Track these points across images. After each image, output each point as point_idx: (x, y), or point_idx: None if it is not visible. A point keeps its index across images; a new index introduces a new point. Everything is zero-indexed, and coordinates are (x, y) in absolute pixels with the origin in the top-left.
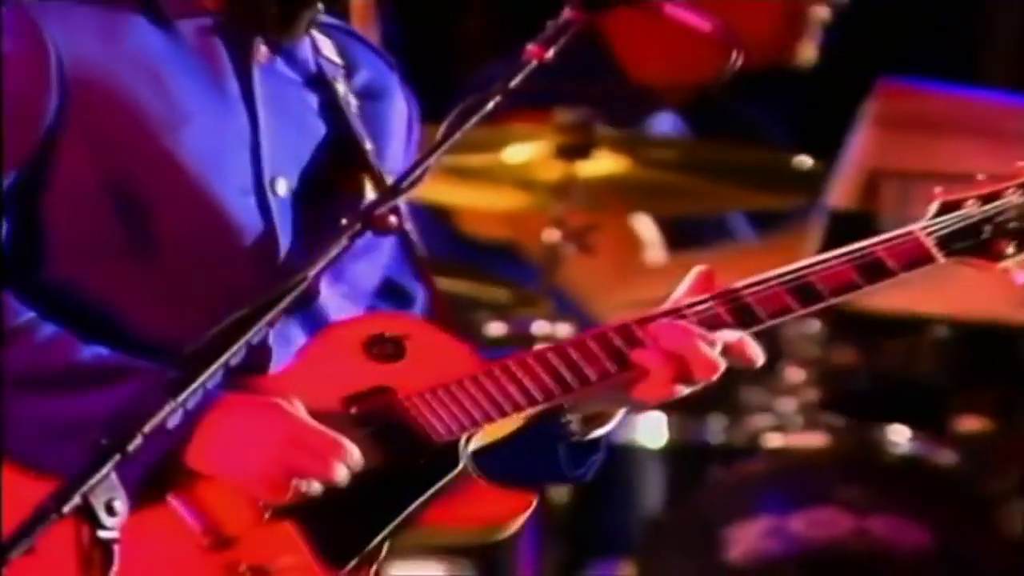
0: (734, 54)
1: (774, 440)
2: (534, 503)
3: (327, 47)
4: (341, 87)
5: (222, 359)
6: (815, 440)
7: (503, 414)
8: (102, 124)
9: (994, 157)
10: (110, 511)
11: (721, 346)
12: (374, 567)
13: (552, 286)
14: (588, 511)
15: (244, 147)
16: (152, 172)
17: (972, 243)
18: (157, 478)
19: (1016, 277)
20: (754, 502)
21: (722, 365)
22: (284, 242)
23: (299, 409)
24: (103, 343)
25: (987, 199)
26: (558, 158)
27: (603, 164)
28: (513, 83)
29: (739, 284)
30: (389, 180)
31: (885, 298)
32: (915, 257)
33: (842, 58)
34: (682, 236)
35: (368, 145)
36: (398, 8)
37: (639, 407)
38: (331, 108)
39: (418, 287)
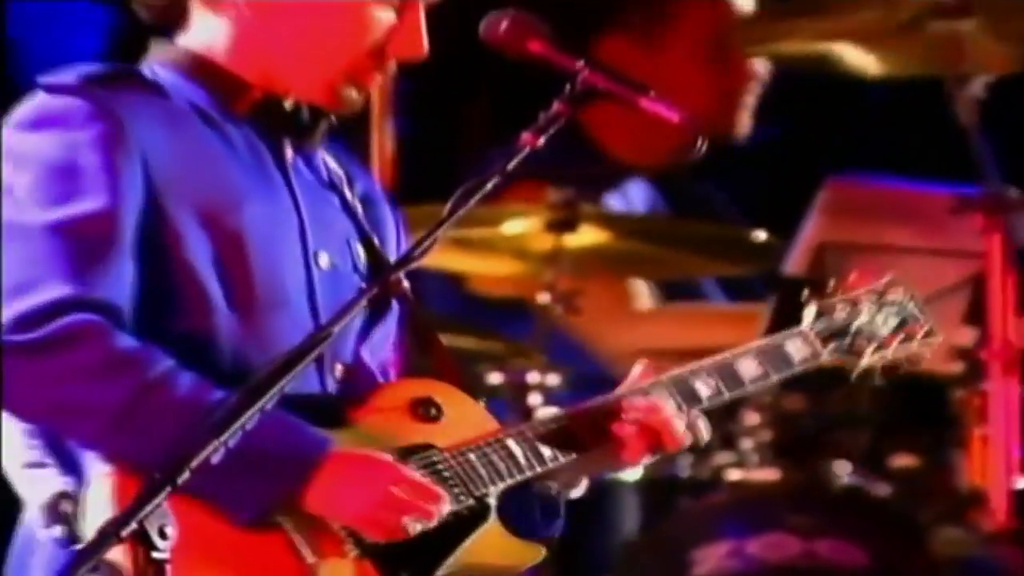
0: (700, 140)
1: (734, 474)
2: (543, 554)
3: (332, 160)
4: (348, 192)
5: (260, 403)
6: (769, 474)
7: (521, 474)
8: (183, 204)
9: (919, 233)
10: (162, 535)
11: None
12: None
13: (544, 341)
14: (575, 535)
15: (293, 228)
16: (229, 244)
17: (840, 344)
18: (272, 511)
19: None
20: (717, 528)
21: (688, 439)
22: (323, 305)
23: (396, 462)
24: (217, 382)
25: (851, 304)
26: (549, 231)
27: (587, 236)
28: (509, 166)
29: (678, 372)
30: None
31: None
32: (809, 353)
33: (789, 148)
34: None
35: (377, 241)
36: (410, 101)
37: (616, 471)
38: (345, 208)
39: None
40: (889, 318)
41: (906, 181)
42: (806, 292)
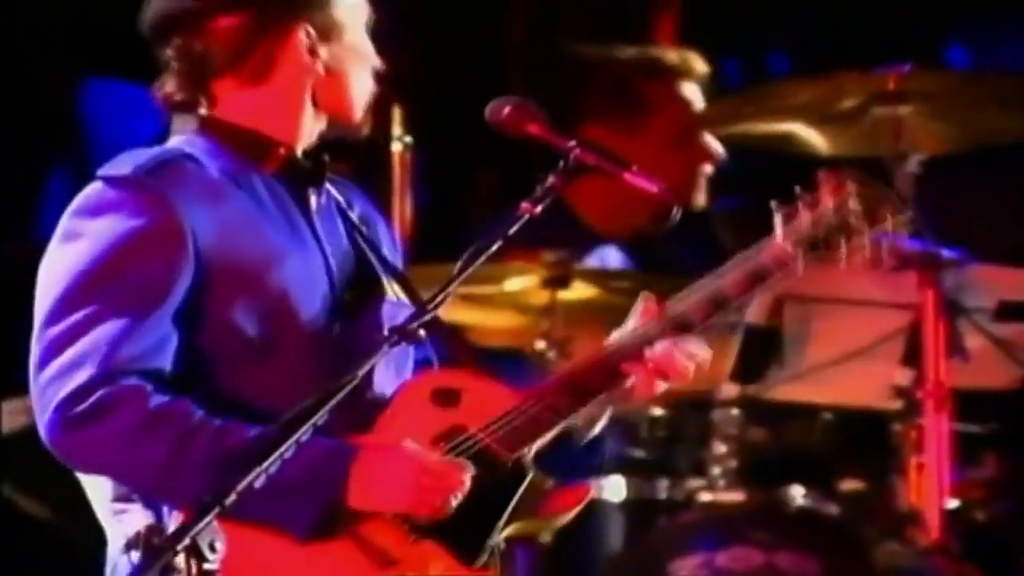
0: (675, 209)
1: (705, 496)
2: (589, 494)
3: (333, 190)
4: (353, 215)
5: (297, 435)
6: (735, 496)
7: (546, 431)
8: (230, 272)
9: (864, 287)
10: (212, 549)
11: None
12: (496, 558)
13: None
14: (567, 550)
15: (322, 271)
16: (273, 301)
17: (814, 243)
18: (327, 522)
19: (855, 261)
20: (690, 543)
21: (690, 369)
22: (349, 339)
23: (417, 447)
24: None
25: (811, 207)
26: (545, 287)
27: (578, 291)
28: (511, 231)
29: (674, 303)
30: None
31: (787, 392)
32: (781, 259)
33: (749, 215)
34: None
35: (381, 254)
36: (427, 174)
37: (631, 406)
38: (351, 231)
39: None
40: (855, 206)
41: None
42: (774, 204)
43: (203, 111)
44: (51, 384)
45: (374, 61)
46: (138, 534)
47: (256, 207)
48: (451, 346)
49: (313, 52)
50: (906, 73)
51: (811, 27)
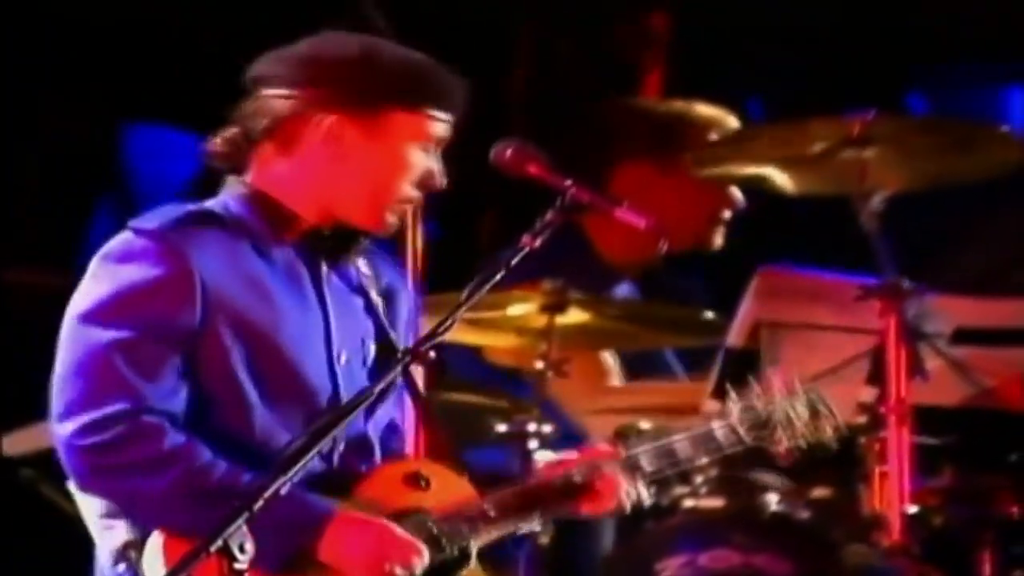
0: (662, 241)
1: (688, 502)
2: None
3: (363, 264)
4: (373, 293)
5: (304, 460)
6: (716, 502)
7: (494, 531)
8: (231, 322)
9: (832, 313)
10: (242, 550)
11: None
12: None
13: (540, 398)
14: (563, 550)
15: (320, 334)
16: (265, 354)
17: (761, 433)
18: (296, 563)
19: (788, 455)
20: (675, 545)
21: (627, 504)
22: (344, 394)
23: (389, 523)
24: (249, 464)
25: (767, 403)
26: (543, 312)
27: (574, 316)
28: (513, 262)
29: (630, 447)
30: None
31: None
32: (735, 439)
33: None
34: (634, 366)
35: (392, 334)
36: (437, 211)
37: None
38: (368, 308)
39: (403, 423)
40: (802, 413)
41: (822, 271)
42: (732, 393)
43: (246, 177)
44: (74, 407)
45: (419, 176)
46: (124, 546)
47: (269, 271)
48: (434, 434)
49: (332, 140)
50: (870, 119)
51: (784, 77)
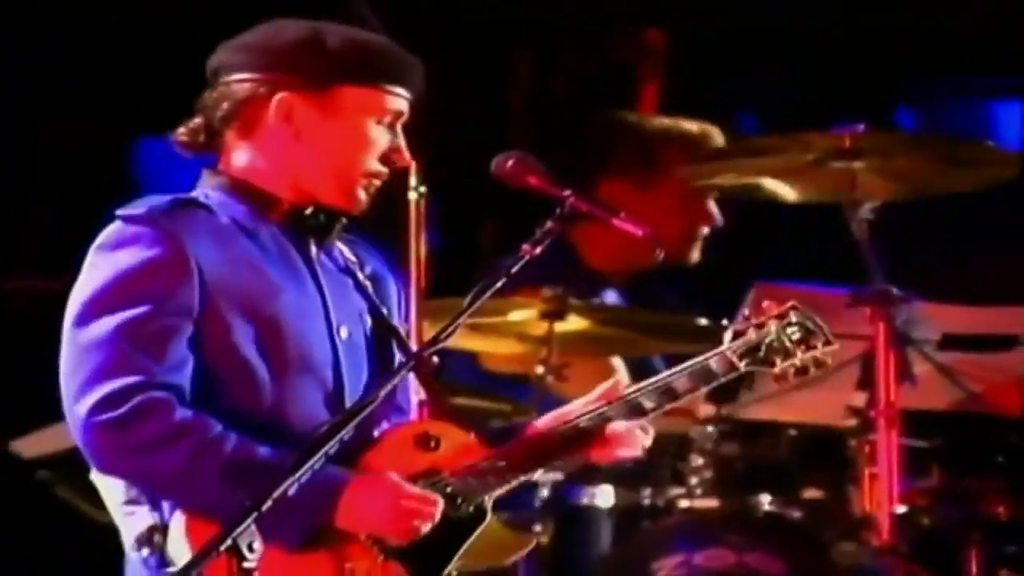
0: (659, 250)
1: (683, 503)
2: (532, 545)
3: (346, 250)
4: (360, 275)
5: (322, 451)
6: (710, 503)
7: (508, 484)
8: (231, 301)
9: (828, 319)
10: (251, 549)
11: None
12: None
13: (539, 401)
14: (562, 549)
15: (319, 309)
16: (268, 328)
17: (755, 358)
18: (314, 537)
19: (785, 378)
20: (671, 544)
21: (640, 445)
22: (345, 367)
23: (400, 479)
24: (261, 438)
25: (758, 328)
26: (543, 319)
27: (573, 323)
28: (513, 269)
29: (631, 390)
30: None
31: (756, 412)
32: (729, 367)
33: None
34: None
35: (385, 311)
36: (440, 219)
37: (588, 466)
38: (358, 287)
39: (411, 406)
40: (793, 333)
41: (814, 284)
42: (724, 321)
43: (219, 166)
44: (86, 387)
45: (381, 151)
46: (148, 530)
47: (259, 250)
48: (438, 399)
49: (288, 119)
50: (860, 133)
51: (778, 93)
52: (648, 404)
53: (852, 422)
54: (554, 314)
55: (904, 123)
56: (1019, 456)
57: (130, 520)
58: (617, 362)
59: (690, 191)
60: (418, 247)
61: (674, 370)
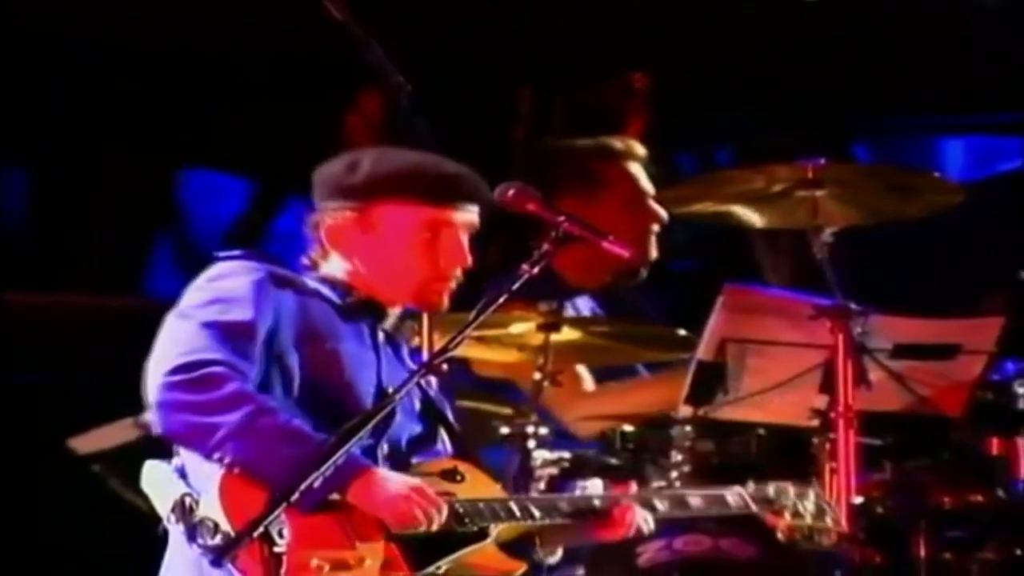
0: (643, 269)
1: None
2: (523, 569)
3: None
4: (411, 364)
5: (346, 447)
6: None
7: (513, 520)
8: (301, 334)
9: (789, 330)
10: (280, 535)
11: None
12: None
13: (536, 405)
14: None
15: (372, 370)
16: (329, 364)
17: (768, 507)
18: (324, 505)
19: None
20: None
21: (633, 530)
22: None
23: (414, 480)
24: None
25: (777, 490)
26: (540, 331)
27: (566, 335)
28: (514, 287)
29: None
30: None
31: (730, 413)
32: (742, 504)
33: (702, 274)
34: (608, 378)
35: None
36: None
37: (582, 543)
38: (403, 366)
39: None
40: (808, 506)
41: (780, 290)
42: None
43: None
44: (169, 358)
45: (437, 259)
46: (181, 497)
47: (332, 312)
48: (461, 446)
49: (344, 235)
50: (822, 165)
51: (749, 129)
52: (660, 506)
53: (815, 422)
54: (550, 326)
55: (860, 156)
56: (961, 452)
57: (167, 489)
58: (581, 369)
59: (632, 195)
60: None
61: (693, 491)
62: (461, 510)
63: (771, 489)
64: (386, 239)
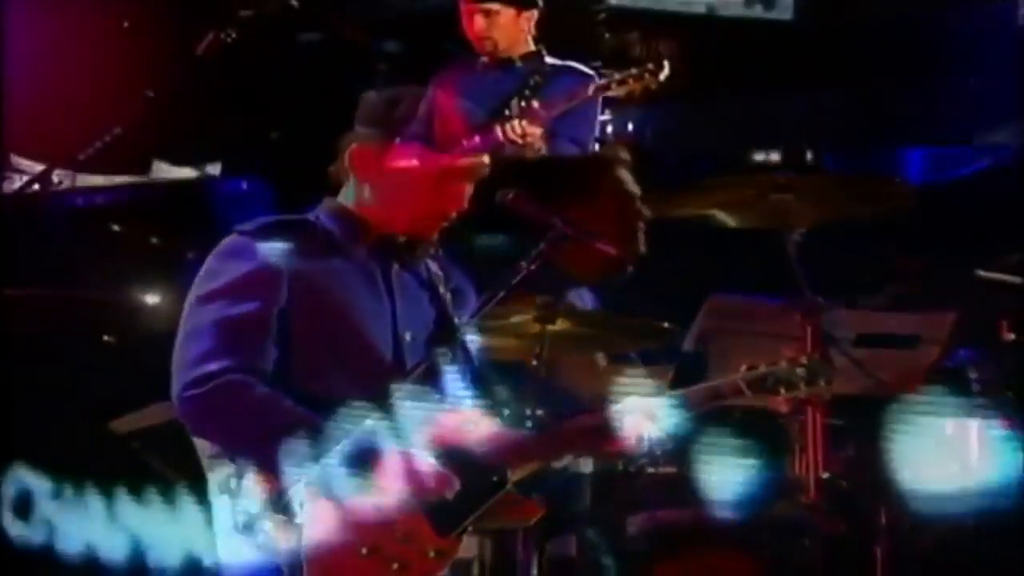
0: (630, 267)
1: (650, 469)
2: (539, 513)
3: (434, 266)
4: (441, 288)
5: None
6: (671, 469)
7: (536, 464)
8: (312, 304)
9: (763, 325)
10: (300, 507)
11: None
12: (463, 537)
13: (534, 390)
14: (551, 507)
15: (388, 317)
16: (343, 328)
17: (763, 387)
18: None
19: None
20: (640, 502)
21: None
22: (409, 363)
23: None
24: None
25: (769, 365)
26: (538, 322)
27: (561, 325)
28: (514, 282)
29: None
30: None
31: None
32: (737, 391)
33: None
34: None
35: (454, 319)
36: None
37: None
38: (433, 299)
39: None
40: (801, 372)
41: (756, 296)
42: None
43: (339, 196)
44: (184, 367)
45: (441, 199)
46: (227, 478)
47: (345, 265)
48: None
49: (356, 170)
50: (791, 174)
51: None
52: (658, 412)
53: (787, 406)
54: (547, 318)
55: (828, 164)
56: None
57: (215, 469)
58: (600, 358)
59: (620, 200)
60: None
61: (687, 390)
62: (479, 456)
63: (763, 369)
64: (399, 173)
